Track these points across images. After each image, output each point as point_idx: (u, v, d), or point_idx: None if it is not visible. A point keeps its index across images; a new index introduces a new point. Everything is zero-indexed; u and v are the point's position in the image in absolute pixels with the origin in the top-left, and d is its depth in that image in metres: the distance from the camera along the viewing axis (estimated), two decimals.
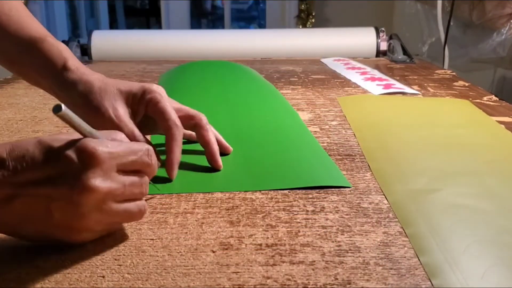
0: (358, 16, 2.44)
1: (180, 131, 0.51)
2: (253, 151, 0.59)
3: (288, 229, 0.42)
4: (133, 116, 0.52)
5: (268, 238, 0.40)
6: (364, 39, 1.39)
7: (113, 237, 0.40)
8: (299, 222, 0.43)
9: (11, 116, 0.74)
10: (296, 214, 0.44)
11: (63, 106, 0.34)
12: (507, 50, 1.28)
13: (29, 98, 0.86)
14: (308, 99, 0.87)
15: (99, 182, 0.35)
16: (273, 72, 1.11)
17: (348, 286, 0.34)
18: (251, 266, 0.36)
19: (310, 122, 0.73)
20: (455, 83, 1.01)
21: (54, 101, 0.83)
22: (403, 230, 0.42)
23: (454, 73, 1.13)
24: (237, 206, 0.46)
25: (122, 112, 0.50)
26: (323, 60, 1.29)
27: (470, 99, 0.86)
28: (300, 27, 2.63)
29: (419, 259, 0.37)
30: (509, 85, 1.37)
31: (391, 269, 0.36)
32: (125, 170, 0.38)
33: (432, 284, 0.34)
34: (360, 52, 1.37)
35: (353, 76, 1.06)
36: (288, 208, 0.46)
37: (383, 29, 1.39)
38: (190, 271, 0.36)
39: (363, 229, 0.42)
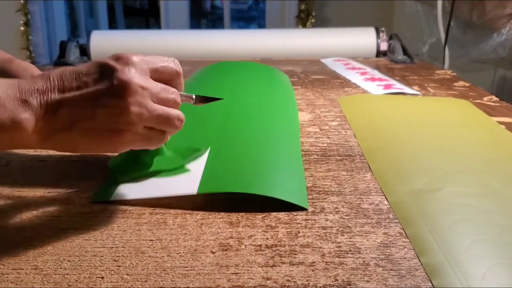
0: (358, 16, 2.44)
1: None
2: (232, 150, 0.57)
3: (288, 230, 0.42)
4: None
5: (267, 239, 0.40)
6: (364, 39, 1.38)
7: (112, 238, 0.40)
8: (299, 223, 0.43)
9: None
10: (296, 215, 0.44)
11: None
12: (508, 50, 1.28)
13: None
14: (308, 99, 0.87)
15: (136, 77, 0.39)
16: None
17: (348, 287, 0.34)
18: (250, 267, 0.36)
19: (310, 123, 0.73)
20: (456, 84, 1.01)
21: None
22: (404, 230, 0.42)
23: (454, 74, 1.13)
24: (236, 207, 0.46)
25: None
26: (323, 60, 1.29)
27: (471, 99, 0.86)
28: (300, 27, 2.63)
29: (419, 260, 0.37)
30: (509, 85, 1.37)
31: (391, 270, 0.36)
32: (156, 77, 0.41)
33: (432, 285, 0.34)
34: (360, 52, 1.37)
35: (353, 77, 1.06)
36: (287, 209, 0.45)
37: (383, 29, 1.39)
38: (189, 272, 0.36)
39: (363, 230, 0.42)
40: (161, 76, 0.42)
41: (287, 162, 0.55)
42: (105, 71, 0.39)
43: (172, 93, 0.42)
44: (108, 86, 0.38)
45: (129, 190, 0.48)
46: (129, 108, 0.38)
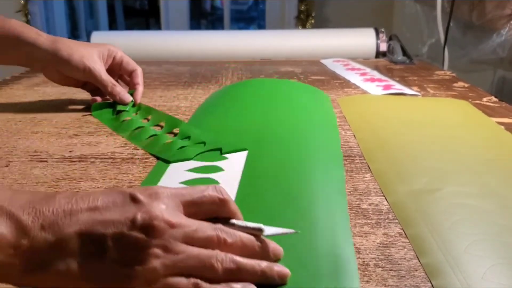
0: (357, 17, 2.44)
1: (141, 72, 0.81)
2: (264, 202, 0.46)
3: None
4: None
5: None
6: (364, 40, 1.38)
7: None
8: None
9: (11, 117, 0.74)
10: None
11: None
12: (507, 51, 1.28)
13: (28, 98, 0.86)
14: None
15: (162, 212, 0.31)
16: (272, 73, 1.11)
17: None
18: None
19: None
20: (455, 84, 1.01)
21: (53, 101, 0.83)
22: (403, 231, 0.42)
23: (454, 74, 1.13)
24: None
25: (100, 63, 0.75)
26: (322, 61, 1.29)
27: (470, 100, 0.86)
28: (300, 28, 2.63)
29: (419, 260, 0.37)
30: (509, 86, 1.37)
31: (391, 270, 0.36)
32: (195, 212, 0.33)
33: (432, 285, 0.34)
34: (360, 53, 1.37)
35: (353, 77, 1.06)
36: None
37: (382, 30, 1.39)
38: None
39: (363, 230, 0.42)
40: (200, 209, 0.33)
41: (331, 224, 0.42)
42: (127, 201, 0.31)
43: (214, 229, 0.32)
44: (130, 219, 0.30)
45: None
46: (151, 251, 0.29)
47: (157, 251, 0.30)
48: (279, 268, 0.33)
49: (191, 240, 0.31)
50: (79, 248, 0.29)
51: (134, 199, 0.31)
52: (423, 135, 0.66)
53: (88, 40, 1.33)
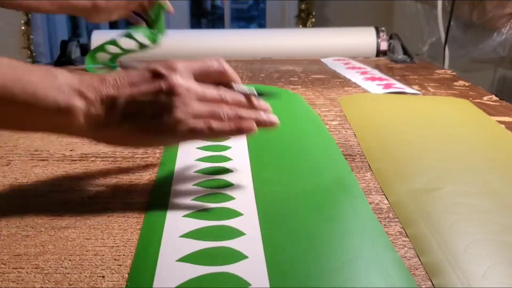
0: (358, 16, 2.44)
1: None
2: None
3: None
4: None
5: None
6: (364, 39, 1.38)
7: (113, 237, 0.40)
8: None
9: None
10: None
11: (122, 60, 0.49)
12: (508, 50, 1.28)
13: None
14: (308, 99, 0.87)
15: (178, 80, 0.42)
16: (273, 72, 1.11)
17: None
18: None
19: None
20: (455, 83, 1.01)
21: None
22: (404, 230, 0.42)
23: (454, 73, 1.13)
24: None
25: None
26: (323, 60, 1.29)
27: (471, 99, 0.86)
28: (300, 27, 2.62)
29: (419, 259, 0.37)
30: (509, 85, 1.37)
31: None
32: (202, 78, 0.45)
33: (432, 284, 0.34)
34: (360, 52, 1.37)
35: (353, 76, 1.06)
36: None
37: (383, 29, 1.39)
38: None
39: None
40: (207, 78, 0.45)
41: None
42: (154, 76, 0.42)
43: (218, 91, 0.44)
44: (158, 89, 0.41)
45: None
46: (175, 108, 0.41)
47: (179, 106, 0.41)
48: (268, 115, 0.46)
49: (203, 98, 0.43)
50: (128, 111, 0.41)
51: (158, 75, 0.42)
52: (424, 134, 0.66)
53: (89, 38, 1.33)
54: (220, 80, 0.46)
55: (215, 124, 0.43)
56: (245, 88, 0.47)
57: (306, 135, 0.66)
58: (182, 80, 0.42)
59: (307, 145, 0.62)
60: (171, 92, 0.42)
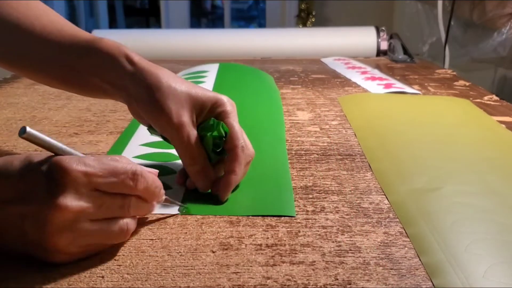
0: (358, 16, 2.44)
1: (245, 155, 0.47)
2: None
3: (288, 229, 0.42)
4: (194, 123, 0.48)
5: (268, 238, 0.40)
6: (365, 38, 1.38)
7: None
8: (299, 222, 0.43)
9: (11, 116, 0.74)
10: (296, 214, 0.44)
11: (27, 128, 0.35)
12: (508, 49, 1.28)
13: (28, 97, 0.86)
14: (308, 98, 0.87)
15: (69, 200, 0.34)
16: (273, 72, 1.11)
17: (348, 286, 0.34)
18: (251, 266, 0.36)
19: (310, 122, 0.73)
20: (456, 83, 1.01)
21: (54, 100, 0.83)
22: (404, 230, 0.42)
23: (454, 73, 1.13)
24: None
25: (186, 119, 0.46)
26: (323, 59, 1.29)
27: (471, 98, 0.86)
28: (300, 26, 2.63)
29: (420, 259, 0.37)
30: (509, 84, 1.36)
31: (391, 269, 0.36)
32: (103, 190, 0.36)
33: (433, 284, 0.34)
34: (361, 51, 1.37)
35: (354, 76, 1.06)
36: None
37: (383, 28, 1.39)
38: (190, 272, 0.36)
39: (364, 229, 0.42)
40: (110, 190, 0.37)
41: (273, 169, 0.54)
42: (37, 187, 0.34)
43: (118, 207, 0.37)
44: (37, 209, 0.34)
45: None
46: (57, 235, 0.34)
47: (67, 234, 0.34)
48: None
49: (96, 216, 0.36)
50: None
51: (40, 182, 0.34)
52: (424, 133, 0.65)
53: None
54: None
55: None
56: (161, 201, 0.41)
57: (258, 114, 0.74)
58: (72, 200, 0.34)
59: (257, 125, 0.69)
60: (51, 219, 0.34)
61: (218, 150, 0.47)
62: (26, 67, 0.54)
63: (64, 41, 0.50)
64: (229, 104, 0.48)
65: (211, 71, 1.01)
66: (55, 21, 0.52)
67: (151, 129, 0.48)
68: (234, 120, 0.48)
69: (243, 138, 0.47)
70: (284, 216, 0.44)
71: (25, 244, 0.35)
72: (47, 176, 0.34)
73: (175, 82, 0.47)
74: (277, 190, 0.49)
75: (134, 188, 0.37)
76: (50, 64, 0.51)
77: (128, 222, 0.38)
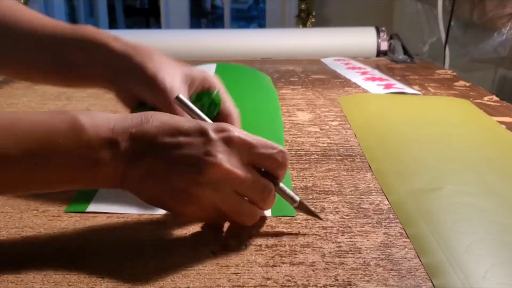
0: (358, 16, 2.44)
1: (238, 117, 0.50)
2: None
3: (288, 229, 0.42)
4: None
5: (268, 239, 0.40)
6: (365, 39, 1.38)
7: (112, 237, 0.40)
8: (299, 223, 0.43)
9: None
10: (296, 215, 0.44)
11: (180, 95, 0.43)
12: (508, 50, 1.28)
13: (28, 98, 0.86)
14: (308, 99, 0.87)
15: (225, 161, 0.37)
16: (273, 72, 1.11)
17: (348, 287, 0.34)
18: (251, 267, 0.36)
19: (310, 122, 0.73)
20: (456, 83, 1.01)
21: (54, 100, 0.83)
22: (404, 230, 0.42)
23: (454, 73, 1.13)
24: None
25: (179, 85, 0.47)
26: (323, 60, 1.29)
27: (471, 99, 0.86)
28: (300, 27, 2.63)
29: (420, 260, 0.37)
30: (510, 85, 1.36)
31: (391, 270, 0.36)
32: (256, 163, 0.39)
33: (433, 285, 0.34)
34: (361, 52, 1.37)
35: (354, 76, 1.06)
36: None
37: (383, 29, 1.39)
38: (189, 272, 0.36)
39: (364, 230, 0.42)
40: (260, 163, 0.39)
41: None
42: (202, 141, 0.37)
43: (263, 190, 0.39)
44: (197, 157, 0.37)
45: (107, 204, 0.45)
46: (203, 187, 0.37)
47: (208, 189, 0.37)
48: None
49: (240, 191, 0.38)
50: (150, 173, 0.37)
51: (208, 138, 0.37)
52: (424, 134, 0.65)
53: None
54: (270, 171, 0.40)
55: (224, 219, 0.41)
56: (289, 191, 0.42)
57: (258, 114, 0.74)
58: (229, 161, 0.37)
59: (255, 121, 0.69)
60: (207, 168, 0.36)
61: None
62: (15, 67, 0.53)
63: (49, 33, 0.51)
64: (217, 81, 0.50)
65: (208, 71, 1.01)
66: (34, 17, 0.52)
67: (138, 109, 0.47)
68: (224, 92, 0.51)
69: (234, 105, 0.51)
70: (284, 216, 0.44)
71: (165, 193, 0.37)
72: (215, 134, 0.37)
73: (165, 57, 0.49)
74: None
75: (284, 165, 0.40)
76: (38, 58, 0.51)
77: (258, 212, 0.40)
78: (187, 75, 0.49)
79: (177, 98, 0.44)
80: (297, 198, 0.42)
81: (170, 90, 0.46)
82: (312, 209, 0.42)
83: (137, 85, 0.47)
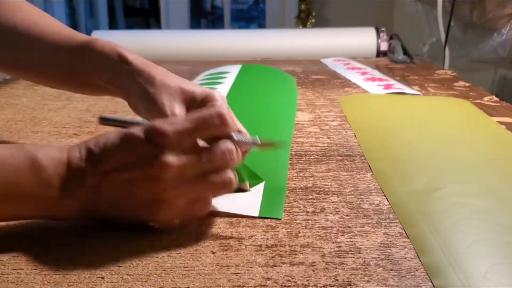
0: (358, 16, 2.44)
1: (218, 95, 0.49)
2: None
3: (288, 230, 0.42)
4: None
5: (268, 239, 0.40)
6: (365, 39, 1.38)
7: (112, 237, 0.40)
8: (299, 223, 0.43)
9: (10, 117, 0.74)
10: (296, 215, 0.44)
11: (102, 115, 0.43)
12: (508, 50, 1.28)
13: (28, 98, 0.86)
14: (308, 99, 0.87)
15: (171, 158, 0.37)
16: None
17: (348, 287, 0.34)
18: (251, 267, 0.36)
19: (310, 123, 0.73)
20: (456, 84, 1.01)
21: (54, 101, 0.83)
22: (404, 230, 0.42)
23: (454, 74, 1.13)
24: None
25: (178, 111, 0.48)
26: (323, 60, 1.29)
27: (471, 99, 0.86)
28: (300, 27, 2.63)
29: (420, 260, 0.37)
30: (509, 85, 1.37)
31: (391, 270, 0.36)
32: (202, 138, 0.40)
33: (433, 285, 0.34)
34: (361, 52, 1.37)
35: (354, 77, 1.06)
36: (288, 209, 0.45)
37: (383, 29, 1.39)
38: (189, 272, 0.36)
39: (364, 230, 0.42)
40: (205, 137, 0.40)
41: (270, 170, 0.54)
42: (141, 153, 0.38)
43: (222, 155, 0.39)
44: (146, 171, 0.38)
45: None
46: (168, 190, 0.38)
47: (170, 190, 0.38)
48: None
49: (200, 172, 0.39)
50: (114, 197, 0.39)
51: (146, 150, 0.38)
52: (424, 134, 0.65)
53: None
54: (216, 134, 0.41)
55: (196, 208, 0.41)
56: (247, 138, 0.43)
57: (273, 111, 0.77)
58: (175, 157, 0.38)
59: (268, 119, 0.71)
60: (160, 173, 0.37)
61: None
62: (25, 70, 0.57)
63: (62, 43, 0.54)
64: (219, 98, 0.49)
65: (232, 72, 1.00)
66: (51, 24, 0.56)
67: None
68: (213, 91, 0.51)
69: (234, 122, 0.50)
70: (271, 218, 0.44)
71: (133, 208, 0.39)
72: (148, 141, 0.38)
73: (167, 78, 0.50)
74: (268, 191, 0.49)
75: (222, 124, 0.40)
76: (49, 66, 0.56)
77: (230, 175, 0.40)
78: (187, 94, 0.49)
79: (101, 118, 0.44)
80: (258, 140, 0.43)
81: (169, 115, 0.47)
82: (273, 140, 0.44)
83: (142, 107, 0.50)
